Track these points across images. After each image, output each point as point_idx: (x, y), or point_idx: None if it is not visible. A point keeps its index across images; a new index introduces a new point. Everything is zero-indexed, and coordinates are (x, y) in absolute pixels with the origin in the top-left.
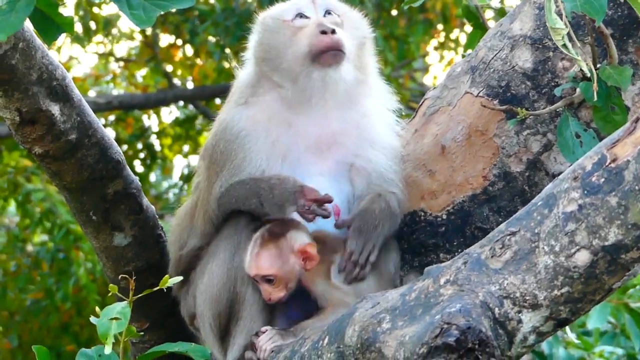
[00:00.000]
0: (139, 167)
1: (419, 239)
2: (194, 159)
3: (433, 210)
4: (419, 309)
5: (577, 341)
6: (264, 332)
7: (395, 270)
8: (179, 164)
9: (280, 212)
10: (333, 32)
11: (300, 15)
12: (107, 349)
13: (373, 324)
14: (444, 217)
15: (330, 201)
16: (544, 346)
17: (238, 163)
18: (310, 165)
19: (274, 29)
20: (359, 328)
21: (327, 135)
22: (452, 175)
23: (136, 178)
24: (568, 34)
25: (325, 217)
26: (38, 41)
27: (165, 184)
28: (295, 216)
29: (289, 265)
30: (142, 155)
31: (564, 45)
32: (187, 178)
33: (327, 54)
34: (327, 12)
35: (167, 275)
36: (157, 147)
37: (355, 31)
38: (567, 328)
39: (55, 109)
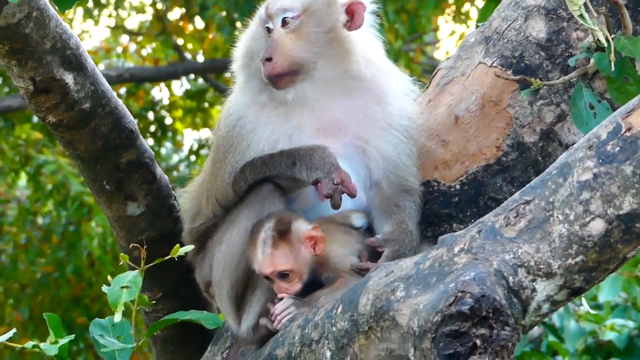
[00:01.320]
0: (149, 141)
1: (432, 209)
2: (205, 132)
3: (446, 180)
4: (433, 278)
5: (592, 312)
6: (279, 300)
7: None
8: (190, 137)
9: (306, 175)
10: (269, 59)
11: (266, 27)
12: (117, 317)
13: (387, 292)
14: (457, 187)
15: (354, 196)
16: (555, 319)
17: (242, 150)
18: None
19: (254, 32)
20: (372, 296)
21: (328, 124)
22: (465, 146)
23: (149, 147)
24: (585, 3)
25: (336, 204)
26: (52, 10)
27: (175, 157)
28: (307, 195)
29: (302, 256)
30: (152, 128)
31: (581, 15)
32: (197, 151)
33: (272, 81)
34: (284, 19)
35: (177, 245)
36: (168, 120)
37: (318, 27)
38: (584, 300)
39: (69, 78)
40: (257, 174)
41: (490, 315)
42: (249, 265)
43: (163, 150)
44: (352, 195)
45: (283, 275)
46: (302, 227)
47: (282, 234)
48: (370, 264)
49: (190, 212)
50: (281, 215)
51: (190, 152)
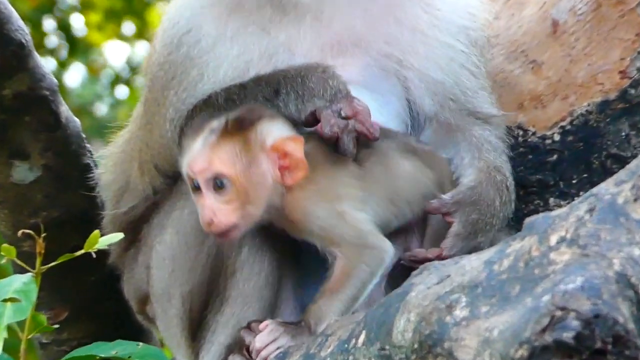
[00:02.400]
0: (49, 62)
1: (515, 174)
2: (141, 48)
3: (538, 126)
4: (514, 286)
5: None
6: (261, 326)
7: None
8: (115, 58)
9: (295, 108)
10: None
11: None
12: None
13: (439, 310)
14: (557, 138)
15: (376, 138)
16: None
17: (192, 81)
18: None
19: None
20: (416, 317)
21: (337, 37)
22: (569, 70)
23: (49, 73)
24: None
25: (347, 152)
26: None
27: (92, 90)
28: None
29: (258, 172)
30: (53, 41)
31: None
32: (128, 81)
33: None
34: None
35: (96, 232)
36: (80, 30)
37: None
38: None
39: None
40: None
41: (609, 347)
42: (212, 264)
43: (71, 79)
44: (372, 136)
45: (218, 185)
46: (273, 130)
47: (239, 125)
48: (427, 253)
49: (113, 187)
50: (250, 107)
51: (116, 81)
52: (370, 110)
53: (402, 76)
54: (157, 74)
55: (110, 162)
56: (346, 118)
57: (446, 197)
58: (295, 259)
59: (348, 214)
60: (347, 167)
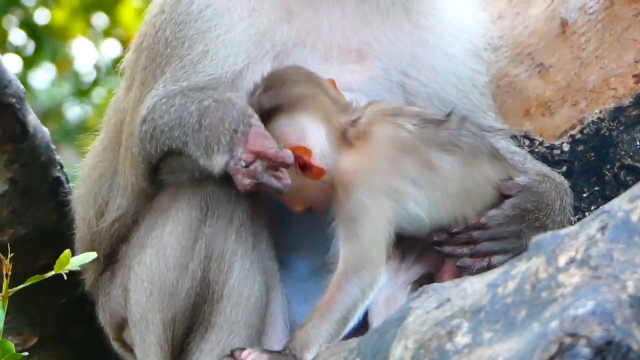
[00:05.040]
0: (14, 62)
1: None
2: (113, 46)
3: (546, 135)
4: (520, 311)
5: None
6: (243, 355)
7: None
8: (86, 56)
9: (207, 161)
10: None
11: None
12: None
13: (439, 336)
14: (566, 147)
15: (287, 165)
16: None
17: (193, 59)
18: (323, 75)
19: None
20: (414, 344)
21: (350, 43)
22: (579, 74)
23: (15, 77)
24: None
25: (276, 189)
26: None
27: (60, 92)
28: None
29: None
30: (17, 39)
31: None
32: (96, 81)
33: None
34: None
35: (67, 251)
36: (46, 28)
37: None
38: None
39: None
40: (158, 134)
41: None
42: (196, 289)
43: (37, 81)
44: (286, 164)
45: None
46: (290, 131)
47: (271, 111)
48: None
49: (93, 204)
50: (287, 89)
51: (79, 88)
52: (270, 137)
53: (408, 90)
54: (161, 48)
55: (86, 173)
56: (246, 164)
57: (519, 180)
58: (284, 281)
59: (382, 214)
60: (418, 155)
